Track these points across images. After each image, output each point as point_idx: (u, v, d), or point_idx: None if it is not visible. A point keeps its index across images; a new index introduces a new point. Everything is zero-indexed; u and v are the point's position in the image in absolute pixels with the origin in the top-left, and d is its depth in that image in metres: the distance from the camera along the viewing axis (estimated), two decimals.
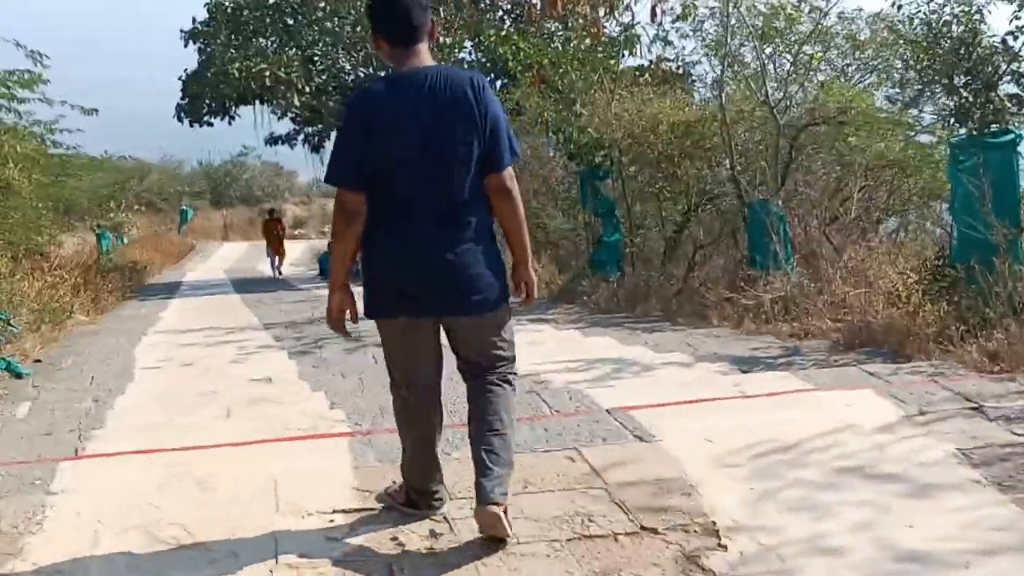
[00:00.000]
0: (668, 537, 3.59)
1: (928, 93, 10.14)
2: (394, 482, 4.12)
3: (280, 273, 24.43)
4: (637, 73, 15.35)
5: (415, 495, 3.90)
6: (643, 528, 3.67)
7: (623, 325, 9.71)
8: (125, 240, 30.80)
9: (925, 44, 8.21)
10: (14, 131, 10.94)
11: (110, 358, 8.95)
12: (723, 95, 11.38)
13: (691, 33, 15.19)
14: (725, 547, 3.48)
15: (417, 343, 3.75)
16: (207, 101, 23.26)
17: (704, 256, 12.25)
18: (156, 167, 48.12)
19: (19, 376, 7.74)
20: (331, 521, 3.86)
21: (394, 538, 3.66)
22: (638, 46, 14.33)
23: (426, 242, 3.60)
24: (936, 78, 8.77)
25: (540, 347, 8.18)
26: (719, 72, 11.96)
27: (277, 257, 24.84)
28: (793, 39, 11.63)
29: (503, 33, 15.83)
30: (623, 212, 13.50)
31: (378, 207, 3.64)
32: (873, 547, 3.41)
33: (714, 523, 3.70)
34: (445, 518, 3.83)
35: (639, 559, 3.41)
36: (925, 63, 8.63)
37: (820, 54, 11.00)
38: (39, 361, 8.76)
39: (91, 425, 5.73)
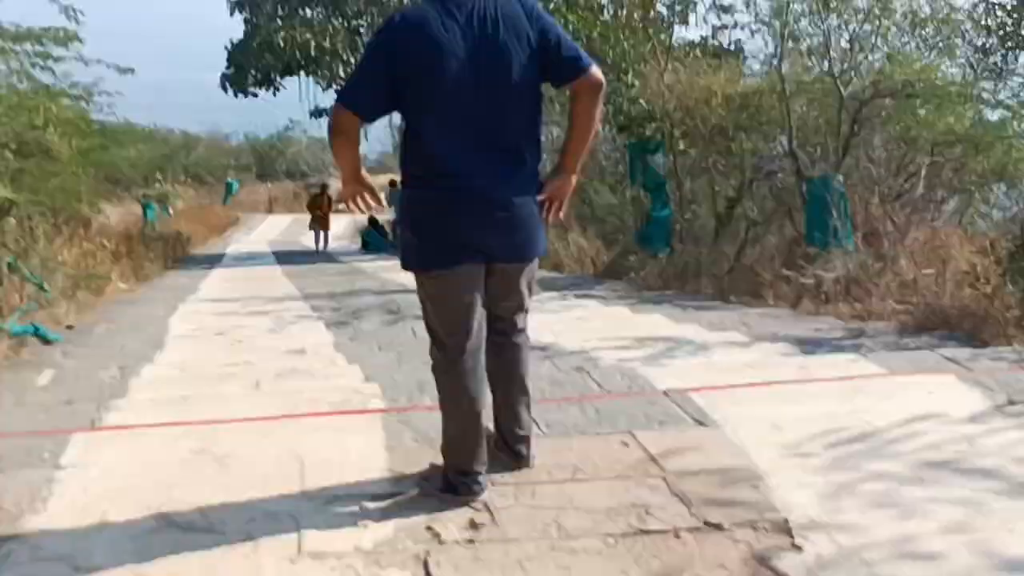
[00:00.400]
0: (735, 535, 3.20)
1: (1013, 60, 9.56)
2: (431, 465, 3.77)
3: (324, 247, 23.89)
4: (688, 49, 14.84)
5: (455, 479, 3.53)
6: (707, 524, 3.28)
7: (673, 303, 9.29)
8: (171, 211, 30.69)
9: (1011, 6, 7.66)
10: (48, 92, 10.66)
11: (143, 326, 8.69)
12: (782, 65, 10.85)
13: (744, 8, 14.61)
14: (800, 548, 3.09)
15: (467, 296, 3.42)
16: (252, 71, 23.00)
17: (757, 234, 11.74)
18: (203, 140, 48.26)
19: (48, 342, 7.49)
20: (361, 506, 3.49)
21: (429, 527, 3.29)
22: (693, 15, 13.79)
23: (479, 181, 3.30)
24: None
25: (587, 324, 7.79)
26: (776, 43, 11.42)
27: (323, 232, 24.31)
28: (849, 14, 11.08)
29: (551, 6, 15.36)
30: (673, 187, 13.03)
31: (422, 145, 3.34)
32: (970, 552, 3.00)
33: (786, 520, 3.29)
34: (486, 506, 3.45)
35: (703, 559, 3.03)
36: (1010, 27, 8.07)
37: (887, 24, 10.43)
38: (71, 327, 8.52)
39: (113, 395, 5.42)
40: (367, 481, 3.73)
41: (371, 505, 3.50)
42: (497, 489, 3.59)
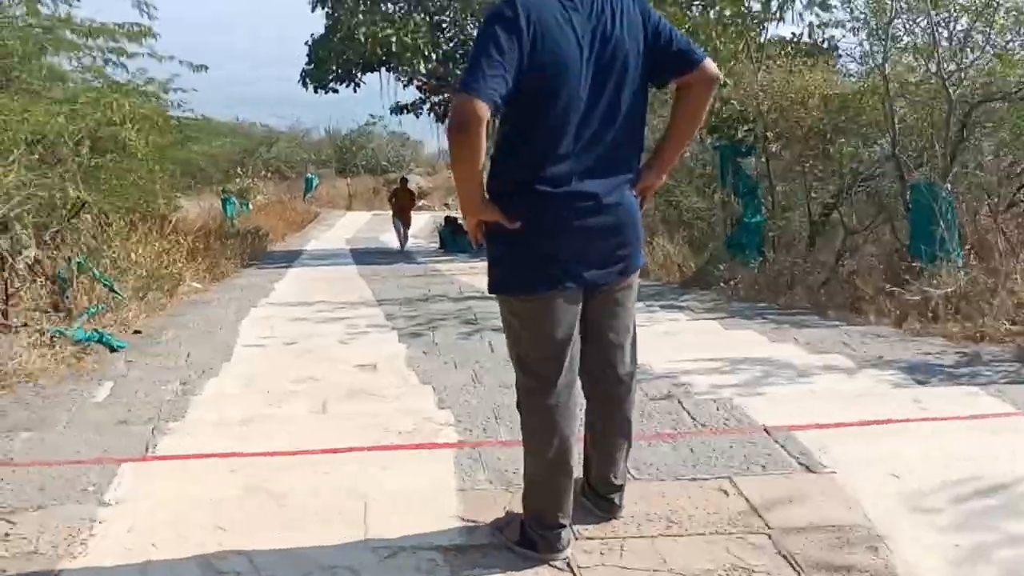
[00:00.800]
0: None
1: None
2: (507, 512, 3.38)
3: (404, 246, 23.24)
4: (781, 47, 14.21)
5: (535, 531, 3.13)
6: None
7: (766, 316, 8.76)
8: (251, 206, 30.78)
9: None
10: (123, 90, 10.48)
11: (213, 331, 8.45)
12: (886, 64, 10.23)
13: (840, 4, 13.91)
14: None
15: (566, 322, 3.03)
16: (333, 67, 22.83)
17: (855, 243, 11.09)
18: (285, 135, 48.52)
19: (113, 349, 7.26)
20: (429, 561, 3.11)
21: None
22: (789, 11, 13.16)
23: (592, 186, 2.95)
24: None
25: (675, 339, 7.31)
26: (877, 42, 10.78)
27: (404, 228, 23.69)
28: (955, 11, 10.41)
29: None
30: (766, 191, 12.47)
31: (530, 148, 2.94)
32: None
33: None
34: (569, 566, 3.06)
35: None
36: None
37: (1000, 21, 9.76)
38: (139, 332, 8.30)
39: (172, 415, 5.11)
40: (435, 530, 3.34)
41: (439, 559, 3.12)
42: (581, 544, 3.20)
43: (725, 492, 3.68)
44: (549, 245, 2.95)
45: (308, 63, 23.23)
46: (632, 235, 3.09)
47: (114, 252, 10.01)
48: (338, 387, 5.71)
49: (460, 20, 22.41)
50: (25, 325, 6.94)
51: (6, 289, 7.26)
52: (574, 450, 3.14)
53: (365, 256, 20.53)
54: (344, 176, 48.33)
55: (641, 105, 3.05)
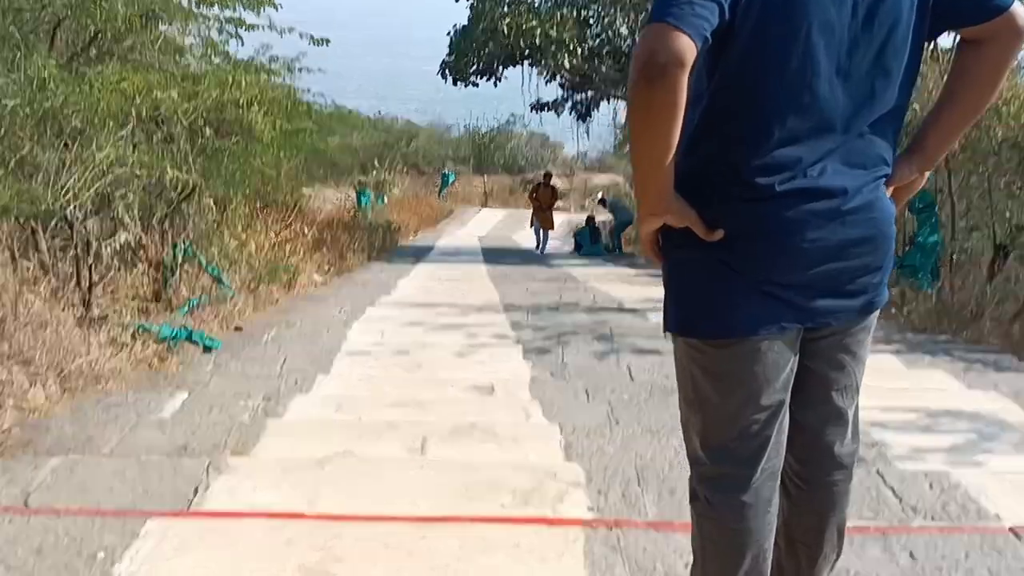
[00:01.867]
0: None
1: None
2: None
3: (543, 250, 21.70)
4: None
5: None
6: None
7: (951, 353, 7.45)
8: (385, 200, 30.30)
9: None
10: (242, 66, 9.71)
11: (319, 332, 7.63)
12: None
13: None
14: None
15: (785, 379, 2.05)
16: (474, 59, 22.13)
17: None
18: (425, 130, 48.34)
19: (207, 349, 6.48)
20: None
21: None
22: None
23: (835, 183, 1.93)
24: None
25: None
26: None
27: (543, 230, 21.60)
28: None
29: None
30: (941, 207, 11.03)
31: (740, 121, 1.91)
32: None
33: None
34: None
35: None
36: None
37: None
38: (239, 329, 7.52)
39: (239, 443, 4.21)
40: None
41: None
42: None
43: None
44: (765, 264, 1.95)
45: (449, 55, 22.64)
46: (886, 254, 2.06)
47: (226, 240, 9.29)
48: (445, 420, 4.67)
49: (608, 14, 21.36)
50: (105, 318, 6.18)
51: (90, 276, 6.52)
52: (767, 561, 2.11)
53: (496, 255, 19.56)
54: (482, 174, 47.80)
55: (914, 66, 2.00)
